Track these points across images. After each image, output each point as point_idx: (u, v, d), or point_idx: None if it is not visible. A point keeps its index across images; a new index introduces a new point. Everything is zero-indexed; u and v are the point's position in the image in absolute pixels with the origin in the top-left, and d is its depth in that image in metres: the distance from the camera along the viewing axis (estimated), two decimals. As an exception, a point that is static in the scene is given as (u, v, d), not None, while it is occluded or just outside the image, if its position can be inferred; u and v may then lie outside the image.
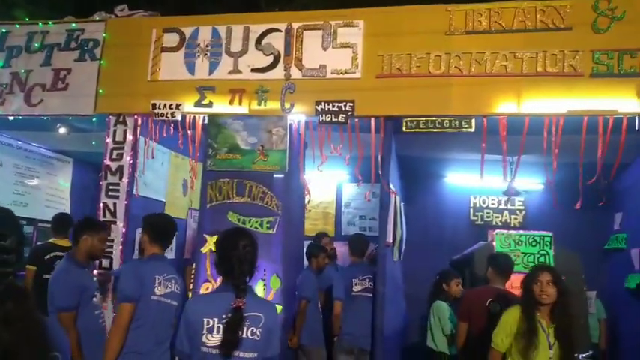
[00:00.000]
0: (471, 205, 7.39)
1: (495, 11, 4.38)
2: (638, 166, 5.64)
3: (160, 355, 3.31)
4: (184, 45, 4.99)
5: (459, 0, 4.60)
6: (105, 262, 4.75)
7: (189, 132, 4.99)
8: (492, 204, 7.34)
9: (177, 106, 4.85)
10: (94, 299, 3.74)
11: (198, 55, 4.94)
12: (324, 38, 4.69)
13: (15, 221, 1.66)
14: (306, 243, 5.63)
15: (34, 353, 1.58)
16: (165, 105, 4.86)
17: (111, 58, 5.18)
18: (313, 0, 7.96)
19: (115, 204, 4.91)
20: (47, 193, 7.02)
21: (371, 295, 4.99)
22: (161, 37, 5.06)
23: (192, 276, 4.92)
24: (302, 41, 4.74)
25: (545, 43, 4.24)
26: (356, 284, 5.22)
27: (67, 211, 6.85)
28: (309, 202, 5.51)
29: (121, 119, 5.05)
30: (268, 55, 4.80)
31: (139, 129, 5.02)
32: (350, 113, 4.51)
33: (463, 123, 4.44)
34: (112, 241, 4.74)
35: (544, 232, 5.05)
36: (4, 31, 5.49)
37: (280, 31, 4.80)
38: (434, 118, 4.47)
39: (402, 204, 5.96)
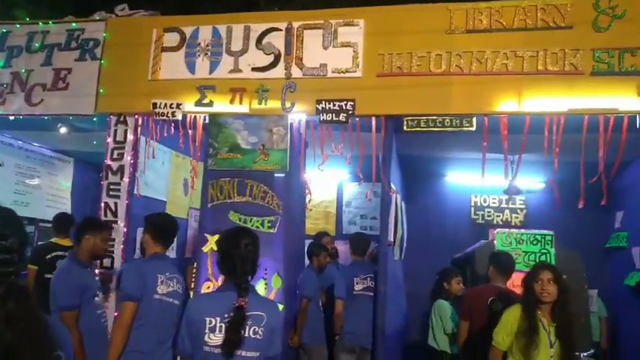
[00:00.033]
0: (472, 204, 7.38)
1: (496, 10, 4.38)
2: (638, 164, 5.65)
3: (162, 355, 3.31)
4: (185, 44, 4.99)
5: (459, -2, 4.60)
6: (106, 262, 4.76)
7: (189, 131, 5.00)
8: (493, 203, 7.34)
9: (178, 106, 4.85)
10: (96, 299, 3.74)
11: (199, 55, 4.94)
12: (325, 37, 4.69)
13: (17, 221, 1.67)
14: (307, 242, 5.63)
15: (36, 352, 1.58)
16: (165, 104, 4.86)
17: (111, 58, 5.18)
18: (313, -1, 7.94)
19: (116, 203, 4.92)
20: (48, 193, 7.02)
21: (372, 294, 4.99)
22: (161, 36, 5.06)
23: (194, 275, 4.92)
24: (302, 40, 4.74)
25: (546, 41, 4.24)
26: (357, 283, 5.23)
27: (68, 210, 6.85)
28: (310, 201, 5.52)
29: (121, 119, 5.05)
30: (269, 54, 4.80)
31: (139, 128, 5.03)
32: (351, 112, 4.50)
33: (464, 122, 4.44)
34: (113, 240, 4.75)
35: (545, 231, 5.05)
36: (4, 30, 5.50)
37: (281, 30, 4.80)
38: (435, 117, 4.47)
39: (403, 203, 5.96)
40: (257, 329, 2.43)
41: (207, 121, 4.91)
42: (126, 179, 4.94)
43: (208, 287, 4.58)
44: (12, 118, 5.36)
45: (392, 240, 4.86)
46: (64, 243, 5.13)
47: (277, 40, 4.79)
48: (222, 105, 4.83)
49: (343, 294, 5.15)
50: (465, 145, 5.43)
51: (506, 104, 4.27)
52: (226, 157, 4.79)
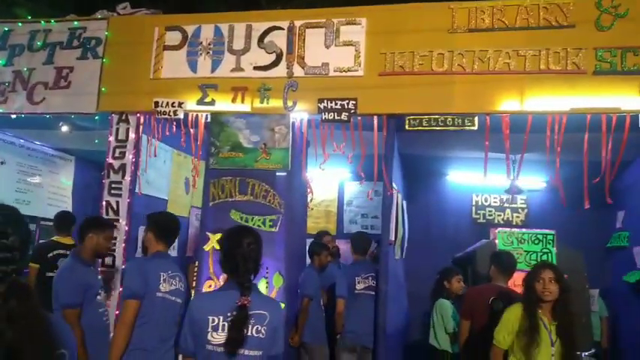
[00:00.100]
0: (473, 203, 7.37)
1: (498, 9, 4.37)
2: None
3: (165, 353, 3.31)
4: (187, 43, 4.99)
5: (461, -3, 4.59)
6: (107, 260, 4.76)
7: (191, 130, 4.99)
8: (494, 202, 7.33)
9: (180, 104, 4.85)
10: (98, 297, 3.74)
11: (201, 53, 4.94)
12: (327, 36, 4.69)
13: (19, 219, 1.67)
14: (308, 241, 5.63)
15: (38, 351, 1.58)
16: (167, 103, 4.86)
17: (113, 57, 5.18)
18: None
19: (117, 202, 4.93)
20: (49, 191, 7.03)
21: (373, 293, 4.99)
22: (163, 35, 5.06)
23: (195, 274, 4.92)
24: (304, 39, 4.74)
25: (548, 40, 4.24)
26: (359, 282, 5.22)
27: (69, 209, 6.86)
28: (311, 200, 5.51)
29: (123, 117, 5.05)
30: (271, 53, 4.79)
31: (141, 127, 5.03)
32: (352, 111, 4.50)
33: (466, 121, 4.44)
34: (115, 239, 4.74)
35: (547, 231, 5.04)
36: (6, 29, 5.50)
37: (283, 29, 4.80)
38: (436, 116, 4.47)
39: (404, 202, 5.96)
40: (260, 328, 2.43)
41: (209, 119, 4.91)
42: (127, 178, 4.95)
43: (210, 286, 4.58)
44: (14, 116, 5.36)
45: (393, 239, 4.86)
46: (66, 241, 5.13)
47: (279, 39, 4.79)
48: (224, 104, 4.83)
49: (345, 293, 5.15)
50: (466, 144, 5.42)
51: (509, 103, 4.27)
52: (228, 155, 4.79)
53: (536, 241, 5.01)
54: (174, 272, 3.45)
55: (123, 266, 4.73)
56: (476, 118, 4.40)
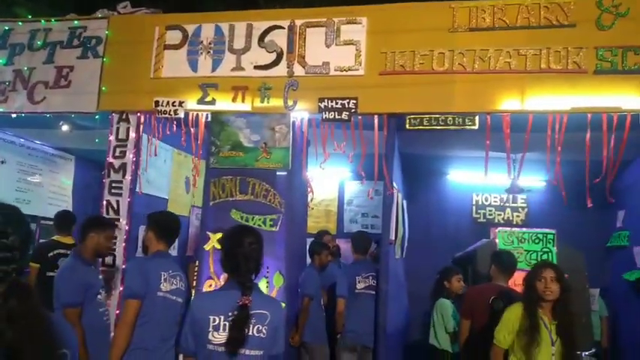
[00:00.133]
0: (474, 203, 7.37)
1: (499, 8, 4.37)
2: (640, 163, 5.64)
3: (166, 352, 3.31)
4: (187, 42, 4.98)
5: (462, -3, 4.59)
6: (108, 260, 4.76)
7: (192, 129, 4.99)
8: (495, 201, 7.33)
9: (180, 104, 4.85)
10: (99, 297, 3.74)
11: (201, 53, 4.93)
12: (327, 35, 4.68)
13: (20, 218, 1.66)
14: (309, 241, 5.62)
15: (39, 350, 1.57)
16: (168, 102, 4.86)
17: (114, 56, 5.18)
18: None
19: (118, 201, 4.92)
20: (50, 191, 7.03)
21: (374, 292, 4.99)
22: (164, 34, 5.05)
23: (196, 273, 4.92)
24: (305, 38, 4.73)
25: (549, 39, 4.23)
26: (359, 282, 5.22)
27: (70, 208, 6.85)
28: (311, 199, 5.51)
29: (123, 117, 5.05)
30: (271, 52, 4.79)
31: (141, 126, 5.03)
32: (353, 110, 4.50)
33: (466, 120, 4.43)
34: (115, 238, 4.74)
35: (547, 230, 5.04)
36: (6, 28, 5.49)
37: (283, 28, 4.79)
38: (437, 116, 4.47)
39: (405, 201, 5.96)
40: (261, 328, 2.43)
41: (209, 119, 4.91)
42: (128, 177, 4.94)
43: (210, 285, 4.58)
44: (14, 115, 5.35)
45: (393, 239, 4.86)
46: (66, 241, 5.13)
47: (280, 38, 4.78)
48: (224, 103, 4.82)
49: (345, 292, 5.15)
50: (467, 143, 5.42)
51: (509, 103, 4.27)
52: (228, 155, 4.79)
53: (537, 241, 5.01)
54: (175, 272, 3.45)
55: (123, 266, 4.73)
56: (476, 118, 4.40)
